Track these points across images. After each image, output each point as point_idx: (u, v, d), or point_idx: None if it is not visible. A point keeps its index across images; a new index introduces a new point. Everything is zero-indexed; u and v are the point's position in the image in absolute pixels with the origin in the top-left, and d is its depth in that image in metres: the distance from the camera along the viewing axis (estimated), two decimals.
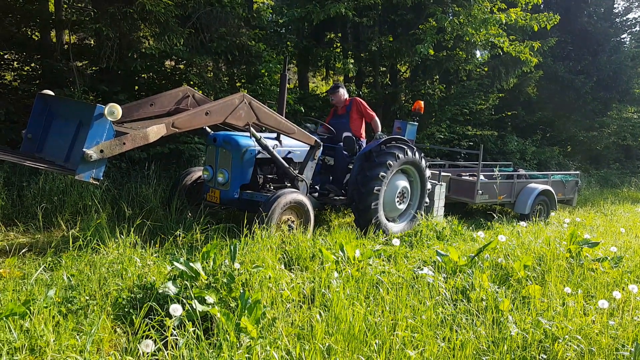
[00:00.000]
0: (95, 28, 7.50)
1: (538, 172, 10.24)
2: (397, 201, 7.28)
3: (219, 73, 10.17)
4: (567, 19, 17.40)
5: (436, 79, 15.31)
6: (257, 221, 5.42)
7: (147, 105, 5.56)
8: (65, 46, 9.00)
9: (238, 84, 10.74)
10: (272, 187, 6.44)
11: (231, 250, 4.35)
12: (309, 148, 6.62)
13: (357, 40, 13.41)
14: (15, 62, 9.80)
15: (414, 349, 3.32)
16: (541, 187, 9.33)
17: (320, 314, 3.64)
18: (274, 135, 6.37)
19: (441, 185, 8.23)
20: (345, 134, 7.31)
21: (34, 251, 4.89)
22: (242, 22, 9.52)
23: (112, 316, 3.54)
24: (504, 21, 11.92)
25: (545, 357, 3.50)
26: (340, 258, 4.98)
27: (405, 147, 7.09)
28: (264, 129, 6.39)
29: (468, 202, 8.98)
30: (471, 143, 15.12)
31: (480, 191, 8.66)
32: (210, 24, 8.84)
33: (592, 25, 19.05)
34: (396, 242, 5.55)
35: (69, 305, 3.50)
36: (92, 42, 10.03)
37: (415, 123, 7.99)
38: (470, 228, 8.04)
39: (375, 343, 3.31)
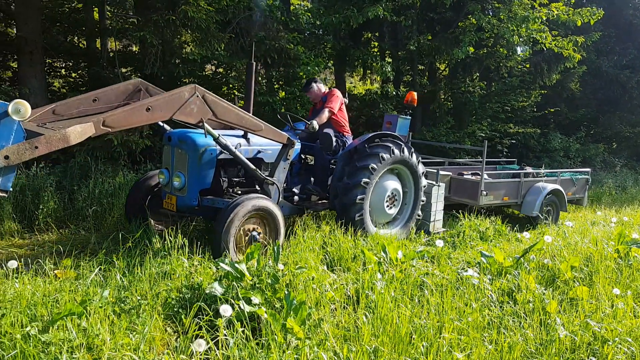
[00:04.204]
0: (139, 35, 7.73)
1: (546, 170, 9.58)
2: (387, 206, 6.51)
3: (257, 76, 10.31)
4: (612, 13, 16.94)
5: (476, 77, 15.13)
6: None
7: (89, 101, 4.81)
8: (111, 54, 9.28)
9: (276, 86, 10.87)
10: (239, 192, 5.69)
11: (274, 252, 4.40)
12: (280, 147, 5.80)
13: (394, 39, 13.37)
14: (63, 70, 10.19)
15: (461, 352, 3.30)
16: (550, 186, 8.60)
17: (365, 316, 3.66)
18: (241, 133, 5.58)
19: (439, 186, 7.29)
20: (325, 130, 6.41)
21: (86, 252, 5.07)
22: (281, 26, 9.63)
23: (162, 316, 3.64)
24: (544, 18, 11.68)
25: (594, 359, 3.43)
26: (382, 259, 4.98)
27: (392, 145, 6.31)
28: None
29: (470, 203, 8.21)
30: (513, 141, 14.83)
31: (484, 192, 7.91)
32: (250, 29, 8.98)
33: (637, 18, 18.50)
34: (439, 243, 5.51)
35: (122, 305, 3.61)
36: (136, 49, 10.32)
37: (408, 117, 7.27)
38: (515, 229, 7.89)
39: (422, 345, 3.31)
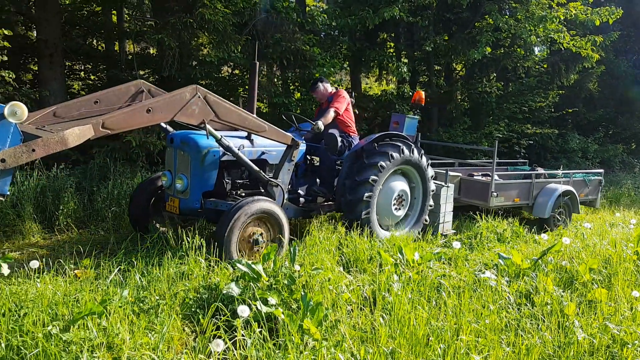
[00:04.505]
0: (157, 38, 7.80)
1: (559, 171, 9.28)
2: (395, 207, 6.43)
3: (273, 77, 10.36)
4: (630, 12, 16.71)
5: (493, 77, 15.03)
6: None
7: (90, 103, 4.68)
8: (129, 56, 9.39)
9: (292, 88, 10.90)
10: (243, 194, 5.58)
11: (291, 252, 4.41)
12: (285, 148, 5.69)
13: (410, 39, 13.35)
14: (82, 72, 10.33)
15: (478, 354, 3.29)
16: (562, 187, 8.32)
17: (382, 317, 3.66)
18: (244, 134, 5.46)
19: (448, 187, 7.17)
20: (331, 130, 6.30)
21: (105, 252, 5.14)
22: (297, 28, 9.66)
23: (180, 315, 3.67)
24: (562, 17, 11.57)
25: None
26: (399, 260, 4.97)
27: (391, 151, 6.17)
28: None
29: (481, 205, 8.01)
30: (531, 142, 14.69)
31: (494, 193, 7.71)
32: (266, 31, 9.02)
33: None
34: (456, 244, 5.47)
35: (141, 304, 3.66)
36: (153, 51, 10.42)
37: (416, 117, 7.19)
38: (532, 230, 7.82)
39: (439, 347, 3.30)
